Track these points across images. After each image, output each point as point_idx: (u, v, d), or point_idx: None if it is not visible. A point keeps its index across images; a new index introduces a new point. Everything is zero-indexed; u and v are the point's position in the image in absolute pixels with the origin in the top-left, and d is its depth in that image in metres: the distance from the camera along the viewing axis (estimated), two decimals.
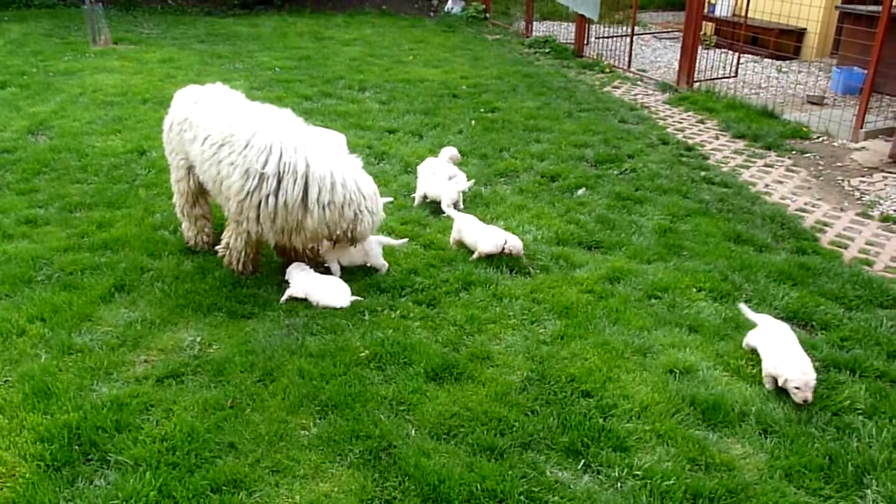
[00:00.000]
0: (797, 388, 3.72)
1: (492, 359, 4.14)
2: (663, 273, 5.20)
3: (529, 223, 5.93)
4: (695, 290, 5.03)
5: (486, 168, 7.20)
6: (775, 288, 5.06)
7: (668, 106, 10.12)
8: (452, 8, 16.88)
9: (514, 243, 5.16)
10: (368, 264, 5.01)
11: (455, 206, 5.92)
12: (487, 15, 16.45)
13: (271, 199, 4.37)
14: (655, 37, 15.36)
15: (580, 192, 6.72)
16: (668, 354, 4.24)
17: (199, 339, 4.19)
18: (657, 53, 13.87)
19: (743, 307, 4.51)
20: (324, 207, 4.39)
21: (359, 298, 4.63)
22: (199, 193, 5.13)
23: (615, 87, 11.08)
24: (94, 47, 11.88)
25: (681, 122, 9.34)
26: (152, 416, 3.59)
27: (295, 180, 4.34)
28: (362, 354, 4.05)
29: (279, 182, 4.35)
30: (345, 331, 4.32)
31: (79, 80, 9.74)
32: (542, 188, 6.76)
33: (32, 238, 5.43)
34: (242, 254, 4.80)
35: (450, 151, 6.74)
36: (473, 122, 8.60)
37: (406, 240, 5.31)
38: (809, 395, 3.71)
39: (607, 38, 13.59)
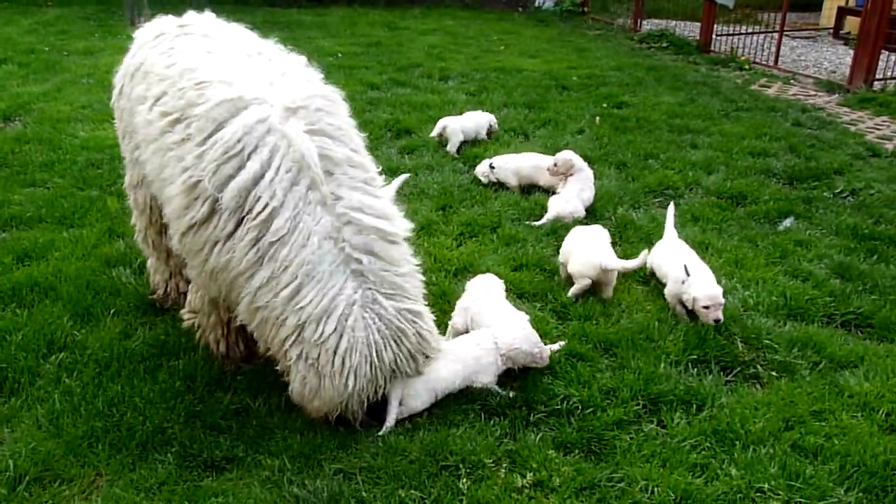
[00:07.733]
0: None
1: None
2: None
3: (730, 275, 3.52)
4: None
5: (629, 182, 4.82)
6: None
7: (846, 109, 7.58)
8: (545, 2, 14.81)
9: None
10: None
11: None
12: (585, 9, 14.17)
13: (219, 247, 2.18)
14: (786, 34, 12.76)
15: (787, 222, 4.27)
16: None
17: None
18: (797, 52, 11.45)
19: None
20: (257, 308, 2.21)
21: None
22: None
23: (764, 87, 8.57)
24: (132, 29, 10.09)
25: (878, 129, 6.79)
26: None
27: (257, 233, 2.15)
28: None
29: (238, 224, 2.15)
30: None
31: (93, 60, 7.82)
32: (725, 215, 4.32)
33: None
34: (219, 326, 2.54)
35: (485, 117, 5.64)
36: (598, 118, 6.22)
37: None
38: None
39: (731, 35, 11.08)
